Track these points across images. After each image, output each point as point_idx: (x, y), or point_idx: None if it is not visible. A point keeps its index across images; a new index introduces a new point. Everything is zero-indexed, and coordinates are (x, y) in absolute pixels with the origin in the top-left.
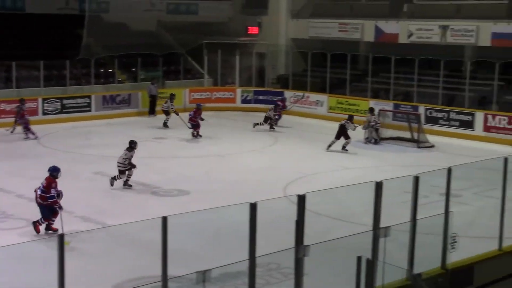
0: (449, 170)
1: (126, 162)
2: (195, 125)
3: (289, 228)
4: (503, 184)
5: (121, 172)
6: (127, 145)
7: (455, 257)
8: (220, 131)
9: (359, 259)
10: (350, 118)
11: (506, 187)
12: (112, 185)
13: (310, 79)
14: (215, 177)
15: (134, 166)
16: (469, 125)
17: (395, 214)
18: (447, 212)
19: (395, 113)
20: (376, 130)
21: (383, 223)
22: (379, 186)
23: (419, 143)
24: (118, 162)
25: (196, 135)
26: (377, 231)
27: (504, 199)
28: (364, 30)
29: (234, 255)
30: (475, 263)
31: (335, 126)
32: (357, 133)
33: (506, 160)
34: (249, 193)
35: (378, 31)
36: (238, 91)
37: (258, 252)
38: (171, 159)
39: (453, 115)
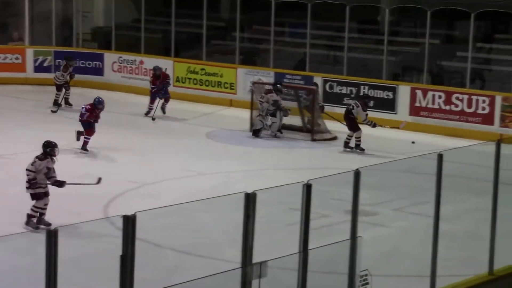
0: (357, 174)
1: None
2: None
3: (111, 265)
4: (437, 193)
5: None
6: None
7: None
8: None
9: None
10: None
11: (441, 199)
12: None
13: (145, 35)
14: None
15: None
16: (389, 105)
17: (276, 243)
18: (353, 238)
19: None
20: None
21: (256, 258)
22: (250, 200)
23: (314, 133)
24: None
25: None
26: (248, 269)
27: (438, 217)
28: None
29: None
30: None
31: (184, 106)
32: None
33: (440, 157)
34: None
35: None
36: (29, 52)
37: None
38: None
39: (365, 90)
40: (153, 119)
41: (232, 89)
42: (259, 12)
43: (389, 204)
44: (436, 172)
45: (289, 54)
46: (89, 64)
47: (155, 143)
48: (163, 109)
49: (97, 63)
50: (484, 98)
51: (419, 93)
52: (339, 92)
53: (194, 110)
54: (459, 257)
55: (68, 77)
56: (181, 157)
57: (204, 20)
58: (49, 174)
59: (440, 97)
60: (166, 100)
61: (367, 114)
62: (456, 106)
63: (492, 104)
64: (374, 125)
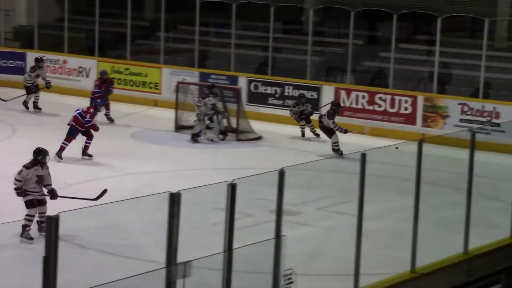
0: (281, 174)
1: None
2: None
3: (27, 270)
4: (360, 193)
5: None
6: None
7: None
8: None
9: None
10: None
11: (364, 198)
12: None
13: (69, 34)
14: None
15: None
16: (313, 105)
17: (201, 243)
18: (278, 237)
19: (202, 87)
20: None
21: (181, 258)
22: (175, 200)
23: (238, 133)
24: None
25: None
26: (173, 269)
27: (361, 217)
28: None
29: None
30: None
31: (111, 108)
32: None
33: (364, 156)
34: None
35: None
36: None
37: None
38: None
39: (289, 90)
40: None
41: (157, 89)
42: (184, 12)
43: (313, 204)
44: (359, 172)
45: (214, 54)
46: (11, 63)
47: (79, 143)
48: (109, 118)
49: (19, 62)
50: (407, 98)
51: (343, 93)
52: (264, 92)
53: (118, 110)
54: (382, 256)
55: (35, 79)
56: (105, 157)
57: (129, 20)
58: (44, 182)
59: (363, 97)
60: (107, 107)
61: (333, 122)
62: (379, 106)
63: (414, 104)
64: (345, 132)
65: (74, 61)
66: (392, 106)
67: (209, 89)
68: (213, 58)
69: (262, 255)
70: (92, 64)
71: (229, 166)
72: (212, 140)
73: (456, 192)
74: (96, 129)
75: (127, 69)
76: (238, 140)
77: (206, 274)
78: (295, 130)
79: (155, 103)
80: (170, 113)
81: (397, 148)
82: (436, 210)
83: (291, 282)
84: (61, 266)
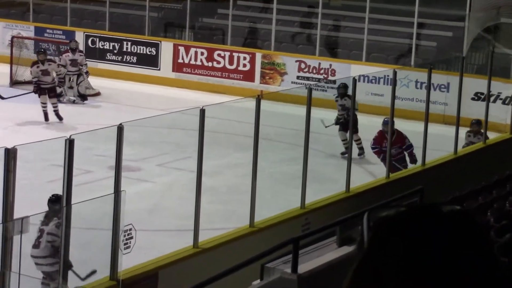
0: (120, 129)
1: None
2: None
3: None
4: (199, 148)
5: None
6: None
7: (131, 261)
8: None
9: None
10: None
11: (204, 154)
12: None
13: None
14: None
15: None
16: (152, 62)
17: (37, 200)
18: (117, 192)
19: (38, 41)
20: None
21: (18, 214)
22: (11, 155)
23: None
24: None
25: None
26: (9, 225)
27: (200, 172)
28: None
29: None
30: (160, 267)
31: None
32: None
33: (203, 112)
34: None
35: None
36: None
37: None
38: None
39: (128, 46)
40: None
41: None
42: None
43: (153, 160)
44: (198, 127)
45: (49, 7)
46: None
47: None
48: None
49: None
50: (245, 55)
51: (182, 49)
52: (102, 47)
53: None
54: (221, 211)
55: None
56: None
57: None
58: None
59: (202, 53)
60: None
61: None
62: (218, 62)
63: (252, 61)
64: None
65: None
66: (231, 63)
67: (69, 44)
68: (47, 12)
69: (101, 211)
70: None
71: (67, 122)
72: (74, 102)
73: (293, 148)
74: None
75: None
76: (79, 96)
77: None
78: (135, 86)
79: None
80: (5, 68)
81: (326, 127)
82: (274, 166)
83: (131, 238)
84: None
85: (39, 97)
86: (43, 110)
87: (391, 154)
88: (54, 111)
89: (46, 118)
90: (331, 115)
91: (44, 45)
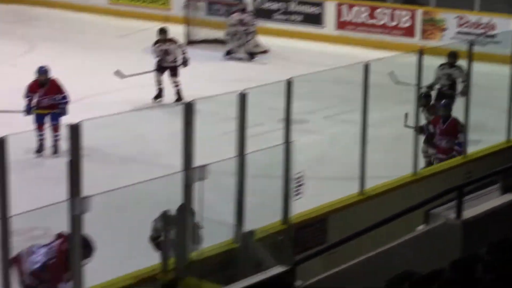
0: (289, 83)
1: None
2: None
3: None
4: (364, 102)
5: None
6: None
7: (302, 207)
8: None
9: (164, 215)
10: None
11: (368, 107)
12: None
13: None
14: None
15: None
16: (316, 20)
17: (215, 149)
18: (287, 142)
19: (210, 3)
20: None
21: (197, 163)
22: (188, 109)
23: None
24: None
25: None
26: (190, 173)
27: (365, 124)
28: None
29: None
30: (328, 212)
31: (122, 24)
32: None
33: (367, 67)
34: None
35: None
36: None
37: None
38: None
39: (293, 6)
40: None
41: (168, 5)
42: None
43: (320, 113)
44: (362, 81)
45: None
46: None
47: (92, 58)
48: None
49: None
50: (406, 12)
51: (344, 8)
52: (268, 8)
53: (130, 26)
54: (385, 160)
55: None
56: (110, 71)
57: None
58: None
59: (364, 11)
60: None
61: None
62: (380, 20)
63: (413, 18)
64: None
65: None
66: (392, 19)
67: (236, 6)
68: None
69: (273, 160)
70: None
71: (237, 78)
72: (240, 58)
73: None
74: None
75: None
76: (248, 53)
77: (221, 178)
78: (300, 44)
79: (167, 19)
80: (181, 29)
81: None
82: None
83: (301, 185)
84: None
85: (161, 74)
86: (158, 87)
87: None
88: (176, 89)
89: (159, 96)
90: (491, 68)
91: (215, 7)
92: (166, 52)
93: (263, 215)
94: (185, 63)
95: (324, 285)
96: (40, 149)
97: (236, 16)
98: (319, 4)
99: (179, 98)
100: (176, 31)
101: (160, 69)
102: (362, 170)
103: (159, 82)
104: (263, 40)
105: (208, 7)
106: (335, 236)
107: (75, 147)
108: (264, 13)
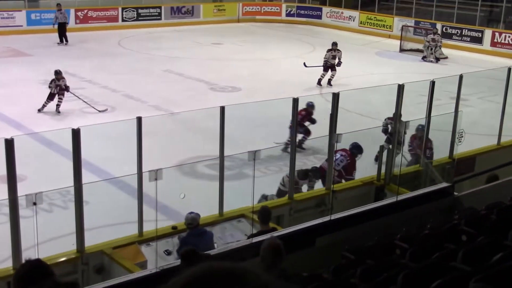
0: (461, 77)
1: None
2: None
3: (324, 120)
4: (505, 90)
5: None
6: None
7: (461, 149)
8: (267, 40)
9: (381, 148)
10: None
11: (507, 93)
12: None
13: None
14: (262, 77)
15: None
16: (478, 40)
17: (413, 112)
18: (456, 111)
19: (415, 28)
20: (432, 48)
21: (403, 119)
22: (400, 88)
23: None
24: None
25: None
26: (397, 124)
27: (505, 103)
28: None
29: (278, 141)
30: (477, 154)
31: (365, 38)
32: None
33: (509, 70)
34: (291, 91)
35: None
36: (283, 6)
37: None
38: (226, 61)
39: (465, 32)
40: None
41: (390, 28)
42: None
43: (476, 95)
44: (505, 78)
45: (423, 10)
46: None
47: (347, 55)
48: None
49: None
50: None
51: (497, 34)
52: (450, 32)
53: (368, 39)
54: None
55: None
56: (356, 63)
57: None
58: None
59: (509, 36)
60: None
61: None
62: None
63: None
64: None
65: (347, 12)
66: None
67: (430, 30)
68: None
69: (447, 122)
70: (355, 14)
71: (429, 72)
72: (431, 61)
73: None
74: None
75: (375, 17)
76: (435, 58)
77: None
78: (468, 54)
79: (389, 36)
80: (397, 42)
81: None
82: None
83: (462, 137)
84: None
85: (325, 71)
86: (320, 78)
87: None
88: (328, 79)
89: (320, 83)
90: None
91: (418, 30)
92: (333, 57)
93: (438, 153)
94: (339, 64)
95: (470, 197)
96: None
97: (430, 36)
98: (480, 31)
99: (329, 84)
100: (395, 44)
101: (327, 67)
102: (500, 130)
103: (323, 75)
104: (445, 51)
105: (414, 30)
106: (480, 169)
107: (335, 107)
108: (447, 35)
